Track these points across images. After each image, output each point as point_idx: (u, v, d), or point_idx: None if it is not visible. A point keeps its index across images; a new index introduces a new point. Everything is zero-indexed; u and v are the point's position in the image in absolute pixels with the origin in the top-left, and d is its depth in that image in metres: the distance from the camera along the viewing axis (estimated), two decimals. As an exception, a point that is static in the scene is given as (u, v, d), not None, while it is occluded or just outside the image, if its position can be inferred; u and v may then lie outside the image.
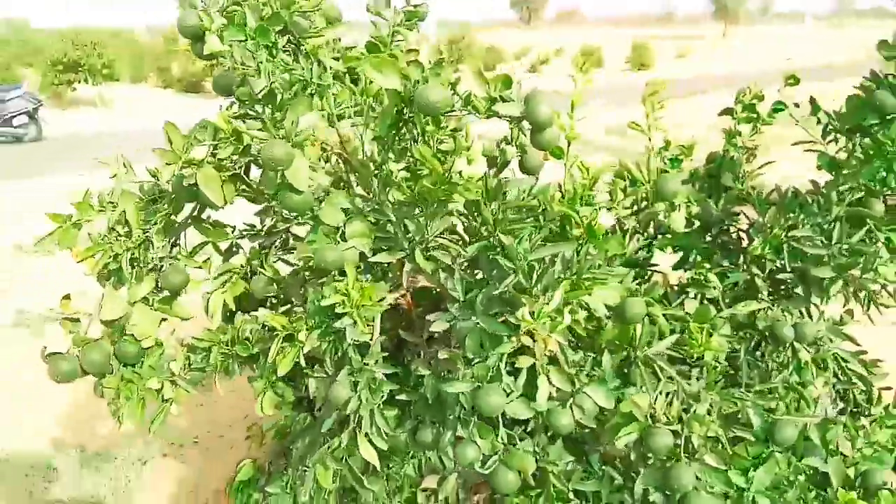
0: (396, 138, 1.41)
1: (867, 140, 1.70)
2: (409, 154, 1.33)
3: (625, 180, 1.63)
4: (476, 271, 1.59)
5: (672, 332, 1.63)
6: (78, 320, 1.52)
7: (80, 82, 19.26)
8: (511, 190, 1.57)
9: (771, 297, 1.96)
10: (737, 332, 1.93)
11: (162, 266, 1.48)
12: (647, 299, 1.54)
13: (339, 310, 1.35)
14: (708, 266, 1.92)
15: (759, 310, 1.89)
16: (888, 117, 1.68)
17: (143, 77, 27.44)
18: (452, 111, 1.28)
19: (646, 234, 2.26)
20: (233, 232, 1.68)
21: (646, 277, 2.15)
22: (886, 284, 1.88)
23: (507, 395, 1.37)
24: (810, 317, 2.01)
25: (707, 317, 1.62)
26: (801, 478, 1.53)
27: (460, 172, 1.30)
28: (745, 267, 1.97)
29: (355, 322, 1.40)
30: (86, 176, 9.70)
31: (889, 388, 2.04)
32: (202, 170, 1.29)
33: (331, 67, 1.41)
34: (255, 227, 1.72)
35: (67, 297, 1.44)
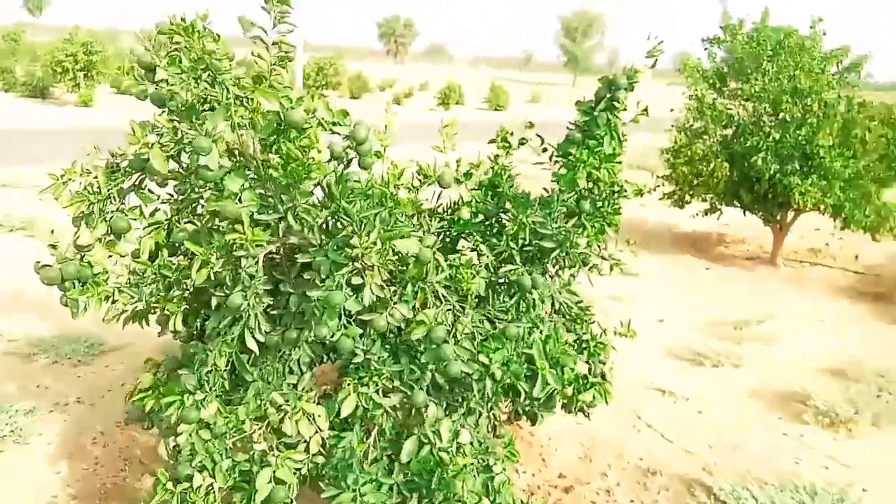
0: (277, 139, 2.29)
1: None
2: (281, 148, 2.21)
3: (421, 175, 2.59)
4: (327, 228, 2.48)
5: (449, 273, 2.61)
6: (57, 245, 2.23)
7: None
8: (352, 177, 2.49)
9: (523, 262, 3.01)
10: (500, 283, 2.95)
11: (113, 217, 2.22)
12: (434, 250, 2.49)
13: (237, 243, 2.18)
14: (481, 240, 2.93)
15: (513, 269, 2.93)
16: (587, 145, 2.80)
17: (-19, 79, 25.51)
18: (308, 126, 2.17)
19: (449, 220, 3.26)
20: (158, 199, 2.45)
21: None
22: (592, 254, 3.00)
23: (345, 299, 2.26)
24: (552, 278, 3.09)
25: (470, 264, 2.62)
26: (522, 359, 2.55)
27: (313, 158, 2.18)
28: (506, 243, 3.00)
29: (247, 254, 2.23)
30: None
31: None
32: (153, 149, 2.07)
33: (233, 93, 2.25)
34: (173, 196, 2.50)
35: (52, 231, 2.14)
